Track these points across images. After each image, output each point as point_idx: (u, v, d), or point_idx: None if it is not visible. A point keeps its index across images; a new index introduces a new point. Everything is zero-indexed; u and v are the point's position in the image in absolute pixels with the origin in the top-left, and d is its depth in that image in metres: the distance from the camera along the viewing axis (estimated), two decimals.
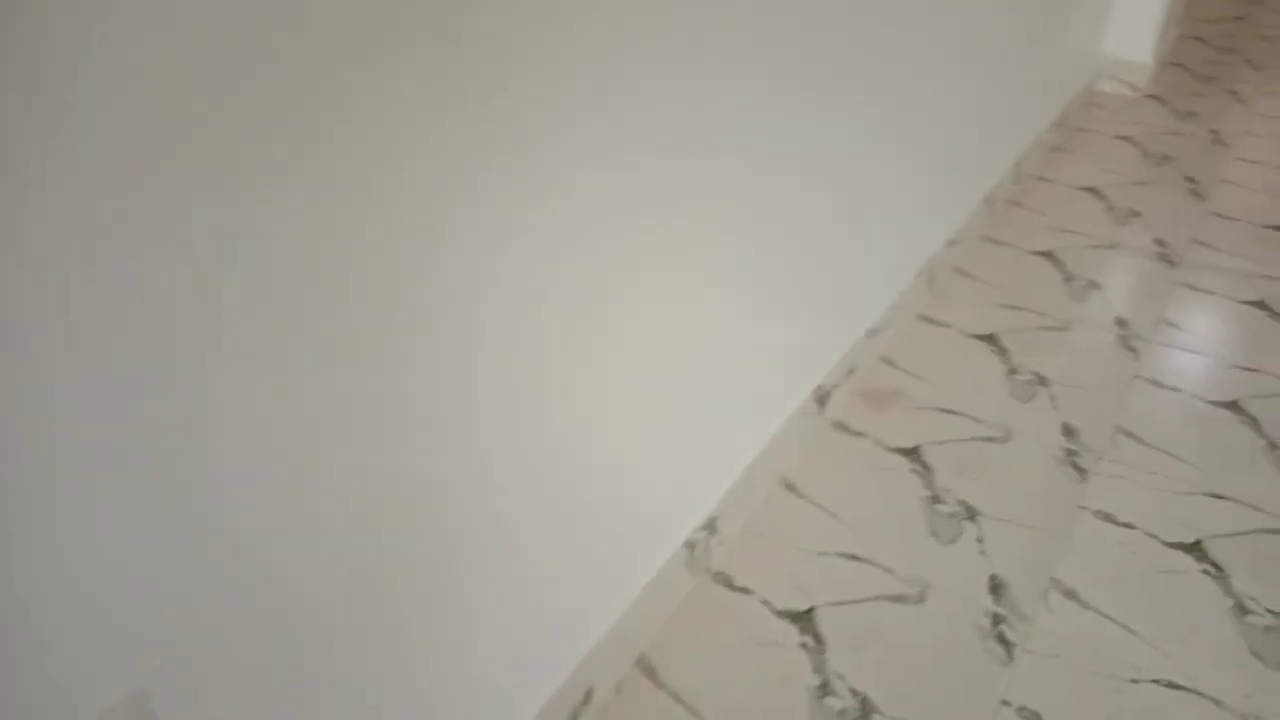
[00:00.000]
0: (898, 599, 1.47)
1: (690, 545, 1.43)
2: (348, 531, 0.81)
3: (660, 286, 1.15)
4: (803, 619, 1.43)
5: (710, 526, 1.48)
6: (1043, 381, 1.92)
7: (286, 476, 0.73)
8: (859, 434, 1.79)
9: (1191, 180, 2.68)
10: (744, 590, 1.48)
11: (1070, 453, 1.75)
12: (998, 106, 2.28)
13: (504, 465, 0.98)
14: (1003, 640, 1.41)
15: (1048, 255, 2.33)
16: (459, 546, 0.96)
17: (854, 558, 1.54)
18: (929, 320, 2.10)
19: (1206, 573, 1.51)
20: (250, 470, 0.70)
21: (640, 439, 1.23)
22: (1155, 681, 1.35)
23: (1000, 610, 1.45)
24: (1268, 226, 2.46)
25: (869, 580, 1.50)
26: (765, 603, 1.46)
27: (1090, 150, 2.86)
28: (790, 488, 1.67)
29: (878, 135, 1.63)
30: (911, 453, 1.75)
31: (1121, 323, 2.10)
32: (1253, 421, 1.82)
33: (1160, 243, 2.39)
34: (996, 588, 1.49)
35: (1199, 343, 2.04)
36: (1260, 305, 2.15)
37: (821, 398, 1.76)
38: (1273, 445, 1.76)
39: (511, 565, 1.05)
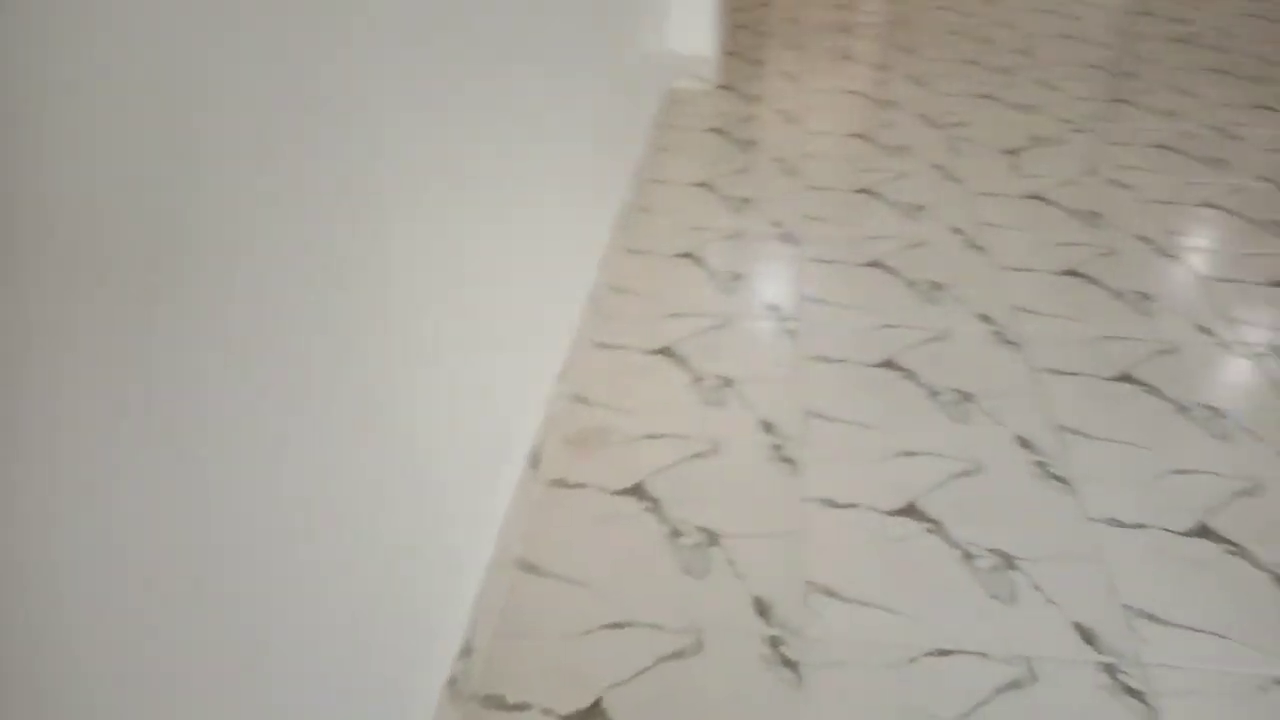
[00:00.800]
0: (677, 655, 1.38)
1: (452, 681, 1.23)
2: None
3: (367, 393, 0.94)
4: (593, 717, 1.30)
5: (466, 650, 1.28)
6: (728, 383, 1.93)
7: None
8: (579, 486, 1.68)
9: (781, 160, 2.89)
10: (520, 707, 1.31)
11: (776, 448, 1.77)
12: (611, 118, 2.27)
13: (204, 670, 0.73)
14: (788, 663, 1.37)
15: (688, 256, 2.38)
16: None
17: (619, 625, 1.43)
18: (605, 346, 2.04)
19: (929, 531, 1.59)
20: None
21: (371, 589, 1.01)
22: (928, 654, 1.39)
23: (775, 632, 1.42)
24: (855, 191, 2.72)
25: (643, 645, 1.40)
26: (547, 712, 1.30)
27: (689, 146, 2.99)
28: (531, 569, 1.51)
29: (521, 171, 1.51)
30: (636, 491, 1.67)
31: (773, 308, 2.19)
32: (910, 374, 1.97)
33: (777, 224, 2.54)
34: (764, 610, 1.45)
35: (842, 311, 2.18)
36: (876, 265, 2.36)
37: (534, 459, 1.63)
38: (933, 392, 1.92)
39: None
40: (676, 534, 1.58)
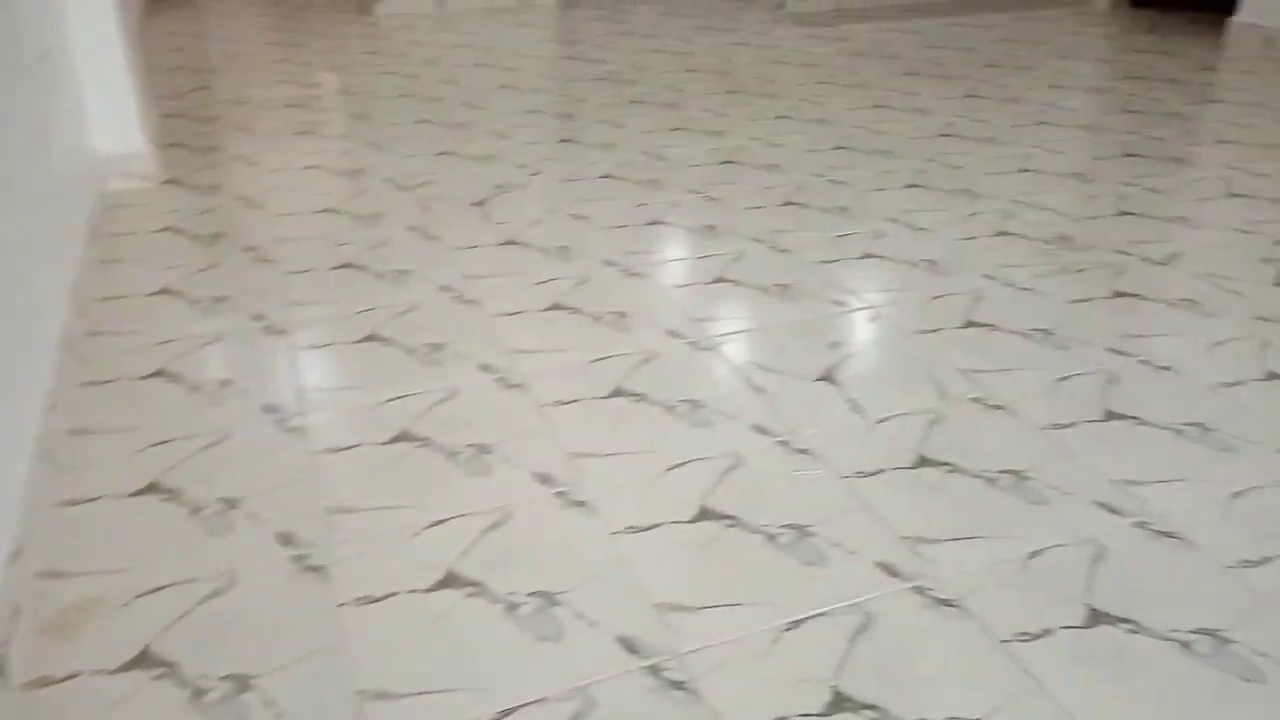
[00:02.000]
0: None
1: None
2: None
3: None
4: None
5: None
6: (233, 505, 1.76)
7: None
8: (69, 678, 1.41)
9: (252, 249, 2.73)
10: None
11: (299, 559, 1.65)
12: (18, 241, 1.96)
13: None
14: None
15: (162, 374, 2.14)
16: None
17: None
18: (74, 502, 1.75)
19: (471, 595, 1.57)
20: None
21: None
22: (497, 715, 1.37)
23: None
24: (336, 267, 2.65)
25: None
26: None
27: (140, 253, 2.70)
28: None
29: None
30: (143, 659, 1.44)
31: (271, 408, 2.04)
32: (426, 441, 1.95)
33: (259, 317, 2.39)
34: None
35: (345, 395, 2.10)
36: (371, 338, 2.31)
37: None
38: (451, 453, 1.91)
39: None
40: (200, 694, 1.39)
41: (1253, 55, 5.16)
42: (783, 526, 1.73)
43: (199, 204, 3.02)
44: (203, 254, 2.70)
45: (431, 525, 1.73)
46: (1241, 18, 5.40)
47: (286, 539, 1.69)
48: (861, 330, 2.43)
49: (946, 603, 1.57)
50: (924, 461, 1.91)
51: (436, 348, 2.28)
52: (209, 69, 4.59)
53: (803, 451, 1.93)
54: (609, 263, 2.74)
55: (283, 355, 2.24)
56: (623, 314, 2.46)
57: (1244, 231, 2.98)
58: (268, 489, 1.81)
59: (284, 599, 1.57)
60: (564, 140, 3.74)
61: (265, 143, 3.58)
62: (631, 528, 1.73)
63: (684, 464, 1.90)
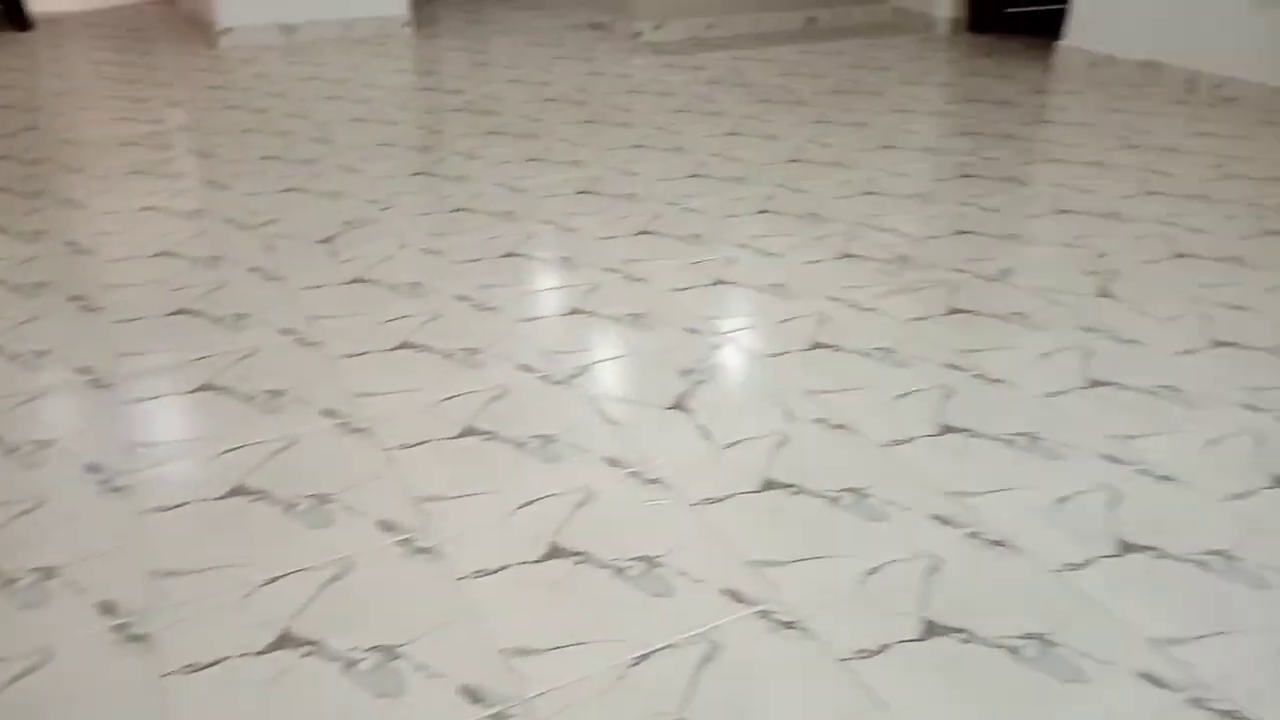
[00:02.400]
0: None
1: None
2: None
3: None
4: None
5: None
6: (50, 574, 1.65)
7: None
8: None
9: (78, 298, 2.59)
10: None
11: (121, 628, 1.55)
12: None
13: None
14: None
15: None
16: None
17: None
18: None
19: (306, 655, 1.51)
20: None
21: None
22: None
23: None
24: (170, 314, 2.53)
25: None
26: None
27: None
28: None
29: None
30: None
31: (94, 468, 1.93)
32: (262, 494, 1.87)
33: (85, 370, 2.26)
34: None
35: (176, 448, 2.00)
36: (206, 388, 2.21)
37: None
38: (289, 506, 1.84)
39: None
40: None
41: (1079, 77, 5.51)
42: (632, 559, 1.73)
43: (21, 252, 2.84)
44: (24, 305, 2.54)
45: (266, 583, 1.65)
46: (1068, 42, 5.76)
47: (108, 608, 1.59)
48: (712, 357, 2.46)
49: (789, 625, 1.59)
50: (770, 484, 1.94)
51: (276, 394, 2.20)
52: (38, 107, 4.35)
53: (653, 481, 1.94)
54: (461, 297, 2.70)
55: (109, 410, 2.12)
56: (474, 350, 2.43)
57: (1070, 246, 3.16)
58: (88, 555, 1.70)
59: (103, 672, 1.47)
60: (418, 173, 3.69)
61: (97, 184, 3.41)
62: (478, 571, 1.70)
63: (534, 501, 1.88)
